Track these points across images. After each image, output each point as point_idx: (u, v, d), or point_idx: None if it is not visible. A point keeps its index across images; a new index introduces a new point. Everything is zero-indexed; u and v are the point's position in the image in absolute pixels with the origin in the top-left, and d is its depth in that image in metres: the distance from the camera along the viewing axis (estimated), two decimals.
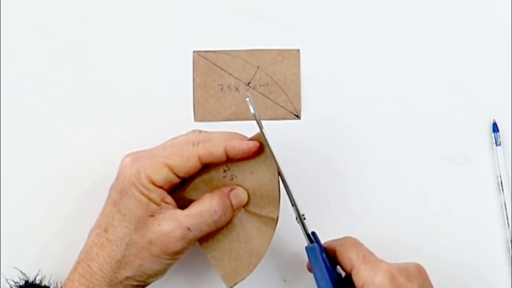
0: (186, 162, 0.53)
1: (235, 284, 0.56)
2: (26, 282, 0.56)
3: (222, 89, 0.64)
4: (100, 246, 0.53)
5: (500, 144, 0.63)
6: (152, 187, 0.52)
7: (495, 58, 0.64)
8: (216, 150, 0.54)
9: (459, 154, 0.64)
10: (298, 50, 0.64)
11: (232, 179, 0.55)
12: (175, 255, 0.53)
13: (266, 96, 0.64)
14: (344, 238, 0.56)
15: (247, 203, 0.56)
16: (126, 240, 0.52)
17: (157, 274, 0.54)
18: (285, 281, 0.63)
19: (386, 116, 0.64)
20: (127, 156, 0.54)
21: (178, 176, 0.53)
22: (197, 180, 0.55)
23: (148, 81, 0.63)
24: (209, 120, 0.63)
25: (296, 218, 0.55)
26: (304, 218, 0.55)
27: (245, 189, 0.56)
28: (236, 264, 0.56)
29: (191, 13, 0.64)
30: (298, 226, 0.56)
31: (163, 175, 0.53)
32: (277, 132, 0.63)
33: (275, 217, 0.56)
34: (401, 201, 0.63)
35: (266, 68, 0.64)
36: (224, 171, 0.55)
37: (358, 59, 0.64)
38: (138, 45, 0.63)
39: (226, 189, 0.55)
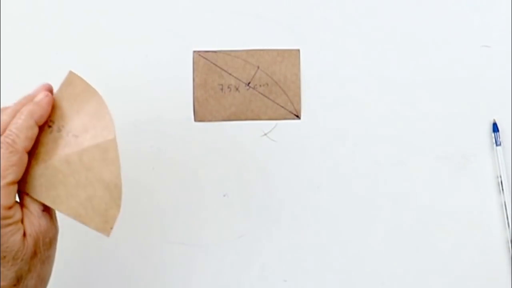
0: (20, 164, 0.50)
1: (112, 228, 0.51)
2: None
3: (222, 89, 0.64)
4: None
5: (500, 144, 0.63)
6: (10, 212, 0.49)
7: (495, 58, 0.64)
8: (29, 130, 0.50)
9: (459, 154, 0.64)
10: (298, 50, 0.64)
11: (60, 130, 0.51)
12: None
13: (266, 96, 0.64)
14: None
15: (81, 141, 0.52)
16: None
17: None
18: (285, 281, 0.63)
19: (386, 116, 0.64)
20: None
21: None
22: (35, 160, 0.51)
23: (148, 81, 0.63)
24: (209, 120, 0.63)
25: None
26: None
27: (77, 129, 0.52)
28: (101, 207, 0.51)
29: (191, 13, 0.64)
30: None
31: (14, 195, 0.49)
32: (277, 132, 0.63)
33: (113, 136, 0.51)
34: (401, 201, 0.63)
35: (266, 68, 0.64)
36: (49, 126, 0.52)
37: (358, 59, 0.64)
38: (138, 45, 0.63)
39: None
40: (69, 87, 0.52)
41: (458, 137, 0.64)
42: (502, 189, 0.63)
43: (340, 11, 0.65)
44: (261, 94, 0.64)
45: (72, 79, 0.52)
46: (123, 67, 0.63)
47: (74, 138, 0.52)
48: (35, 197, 0.51)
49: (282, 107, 0.64)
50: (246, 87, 0.64)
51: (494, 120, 0.64)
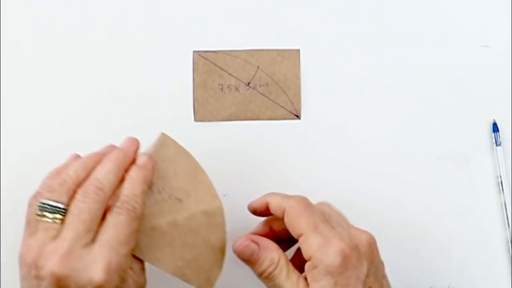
0: (138, 229, 0.51)
1: (213, 286, 0.55)
2: None
3: (222, 89, 0.64)
4: None
5: (500, 144, 0.63)
6: (126, 275, 0.50)
7: (495, 58, 0.64)
8: (143, 195, 0.51)
9: (459, 154, 0.64)
10: (298, 50, 0.64)
11: (161, 192, 0.53)
12: None
13: (266, 96, 0.64)
14: (295, 199, 0.53)
15: (187, 206, 0.54)
16: None
17: None
18: None
19: (386, 116, 0.64)
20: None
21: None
22: (144, 229, 0.53)
23: (148, 81, 0.63)
24: (209, 120, 0.63)
25: None
26: None
27: (178, 192, 0.54)
28: (205, 267, 0.54)
29: (191, 13, 0.64)
30: None
31: (130, 259, 0.51)
32: (277, 132, 0.63)
33: (219, 204, 0.54)
34: (401, 201, 0.63)
35: (266, 68, 0.64)
36: (149, 188, 0.53)
37: (358, 59, 0.64)
38: (138, 45, 0.63)
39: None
40: (162, 149, 0.54)
41: (458, 137, 0.64)
42: (502, 189, 0.63)
43: (340, 11, 0.64)
44: (261, 94, 0.64)
45: (165, 140, 0.54)
46: (123, 67, 0.63)
47: (178, 201, 0.53)
48: (140, 256, 0.52)
49: (282, 107, 0.64)
50: (246, 87, 0.64)
51: (494, 120, 0.64)
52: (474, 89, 0.64)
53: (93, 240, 0.49)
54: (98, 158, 0.52)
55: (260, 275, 0.53)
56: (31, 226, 0.50)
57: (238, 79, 0.64)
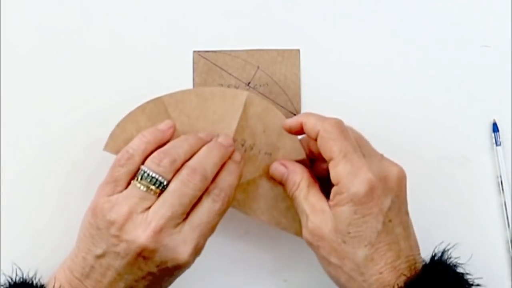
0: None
1: None
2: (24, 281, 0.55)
3: None
4: None
5: (500, 144, 0.63)
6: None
7: (495, 58, 0.64)
8: (234, 189, 0.54)
9: (459, 154, 0.64)
10: (298, 50, 0.64)
11: (252, 148, 0.57)
12: None
13: (266, 96, 0.64)
14: (330, 122, 0.53)
15: (275, 158, 0.57)
16: None
17: None
18: (285, 281, 0.63)
19: (386, 116, 0.64)
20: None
21: None
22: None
23: (148, 81, 0.63)
24: None
25: None
26: None
27: (268, 147, 0.57)
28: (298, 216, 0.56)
29: (191, 13, 0.64)
30: None
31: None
32: None
33: (304, 156, 0.57)
34: None
35: (266, 68, 0.64)
36: (242, 145, 0.57)
37: (358, 59, 0.64)
38: (138, 45, 0.63)
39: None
40: (251, 107, 0.58)
41: (458, 137, 0.64)
42: (502, 189, 0.63)
43: (340, 11, 0.64)
44: (261, 94, 0.64)
45: (252, 99, 0.58)
46: (123, 67, 0.63)
47: (268, 156, 0.58)
48: (238, 208, 0.57)
49: (282, 107, 0.64)
50: (246, 87, 0.64)
51: (494, 120, 0.64)
52: (474, 89, 0.64)
53: (184, 220, 0.52)
54: (201, 143, 0.54)
55: (289, 196, 0.55)
56: (118, 185, 0.52)
57: (238, 79, 0.64)
